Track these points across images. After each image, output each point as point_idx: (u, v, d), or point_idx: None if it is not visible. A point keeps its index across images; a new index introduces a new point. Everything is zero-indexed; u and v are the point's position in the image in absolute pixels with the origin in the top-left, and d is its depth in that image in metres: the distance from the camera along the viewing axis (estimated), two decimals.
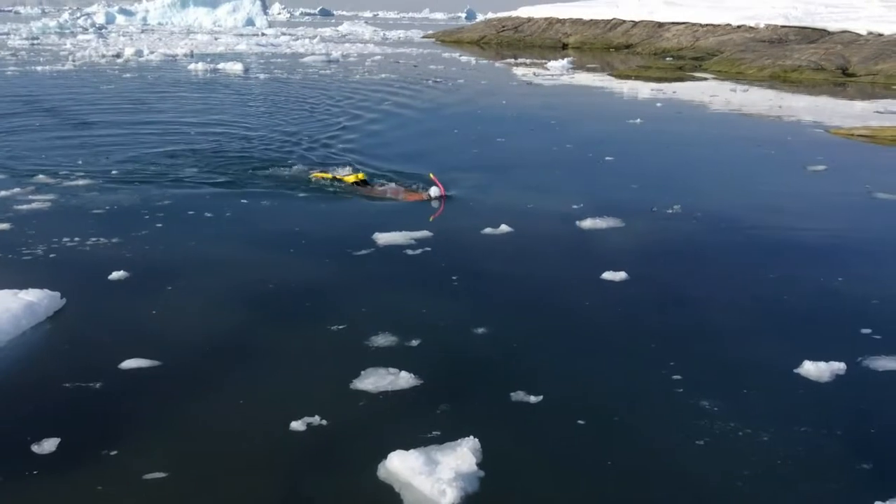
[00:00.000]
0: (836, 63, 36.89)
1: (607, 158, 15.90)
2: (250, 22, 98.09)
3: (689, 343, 7.12)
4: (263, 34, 76.72)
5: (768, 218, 11.66)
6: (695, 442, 5.36)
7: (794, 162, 15.93)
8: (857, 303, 8.14)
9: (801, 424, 5.64)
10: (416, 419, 5.53)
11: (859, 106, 25.96)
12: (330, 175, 13.03)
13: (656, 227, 10.98)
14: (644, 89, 29.47)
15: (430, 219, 11.00)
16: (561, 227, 10.77)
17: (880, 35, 40.40)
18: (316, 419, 5.46)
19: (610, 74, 36.46)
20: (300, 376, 6.25)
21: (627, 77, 34.95)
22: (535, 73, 36.41)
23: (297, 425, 5.40)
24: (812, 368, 6.43)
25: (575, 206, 11.66)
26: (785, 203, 12.68)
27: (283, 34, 75.15)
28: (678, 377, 6.32)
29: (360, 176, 12.83)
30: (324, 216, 11.16)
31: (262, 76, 33.35)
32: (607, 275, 8.64)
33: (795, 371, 6.43)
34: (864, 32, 41.78)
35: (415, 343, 6.82)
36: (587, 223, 10.74)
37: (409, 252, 9.39)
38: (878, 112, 23.84)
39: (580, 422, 5.62)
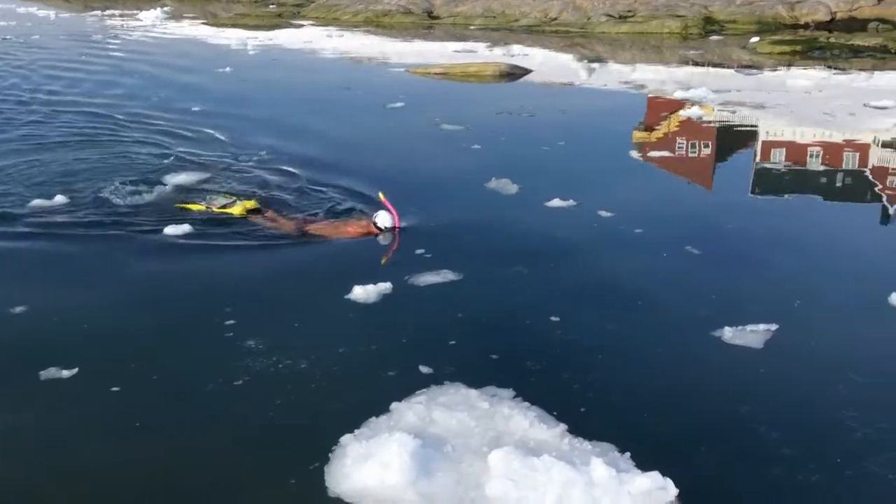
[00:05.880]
0: (423, 7, 39.51)
1: (195, 109, 15.30)
2: None
3: (249, 289, 7.06)
4: None
5: (347, 155, 11.98)
6: (233, 383, 5.30)
7: (377, 101, 16.74)
8: (416, 228, 8.65)
9: (342, 345, 5.88)
10: None
11: (441, 46, 27.97)
12: (202, 206, 9.13)
13: (241, 179, 10.70)
14: (240, 37, 28.86)
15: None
16: (144, 187, 9.98)
17: None
18: None
19: (206, 24, 35.12)
20: None
21: (224, 26, 33.95)
22: (123, 26, 33.75)
23: None
24: (360, 292, 6.75)
25: (165, 161, 11.15)
26: (364, 139, 13.23)
27: None
28: (231, 322, 6.22)
29: (251, 204, 9.07)
30: None
31: None
32: (169, 230, 8.27)
33: (346, 297, 6.69)
34: None
35: None
36: (180, 178, 10.30)
37: None
38: (457, 52, 25.89)
39: (115, 388, 5.25)
